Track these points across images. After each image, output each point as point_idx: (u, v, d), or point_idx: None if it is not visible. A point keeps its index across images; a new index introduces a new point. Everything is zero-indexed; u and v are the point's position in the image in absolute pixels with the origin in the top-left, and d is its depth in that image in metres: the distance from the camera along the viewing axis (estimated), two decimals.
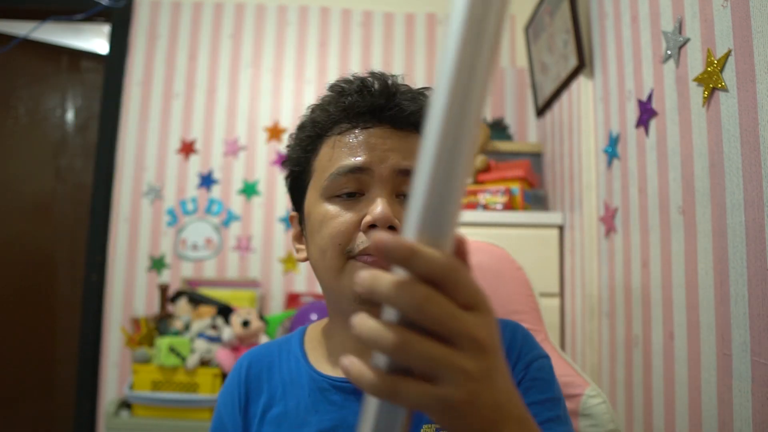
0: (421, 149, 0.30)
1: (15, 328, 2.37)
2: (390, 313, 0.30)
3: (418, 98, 0.65)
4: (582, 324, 1.53)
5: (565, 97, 1.73)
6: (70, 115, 2.58)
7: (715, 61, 0.92)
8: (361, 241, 0.59)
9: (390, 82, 0.65)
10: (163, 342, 1.67)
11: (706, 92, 0.95)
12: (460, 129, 0.29)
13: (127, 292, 2.15)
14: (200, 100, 2.26)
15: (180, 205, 2.20)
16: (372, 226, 0.58)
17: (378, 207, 0.58)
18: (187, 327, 1.79)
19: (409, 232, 0.30)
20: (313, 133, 0.66)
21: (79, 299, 2.19)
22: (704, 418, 0.95)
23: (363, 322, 0.30)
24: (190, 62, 2.28)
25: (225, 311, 1.84)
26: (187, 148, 2.23)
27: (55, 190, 2.53)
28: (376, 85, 0.64)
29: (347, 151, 0.62)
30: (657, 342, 1.13)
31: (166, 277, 2.16)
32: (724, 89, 0.90)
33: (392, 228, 0.59)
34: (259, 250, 2.18)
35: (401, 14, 2.34)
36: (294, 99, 2.27)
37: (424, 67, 2.32)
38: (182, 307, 1.87)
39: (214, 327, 1.77)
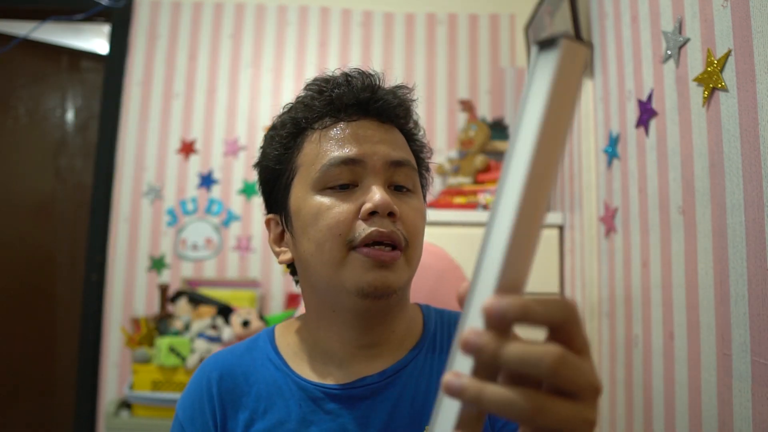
0: (499, 197, 0.30)
1: (15, 327, 2.37)
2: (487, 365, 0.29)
3: (398, 94, 0.66)
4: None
5: None
6: (70, 115, 2.58)
7: (715, 61, 0.92)
8: (363, 228, 0.57)
9: (375, 77, 0.66)
10: (163, 342, 1.67)
11: (706, 92, 0.95)
12: (543, 183, 0.29)
13: (127, 292, 2.15)
14: (200, 100, 2.27)
15: (180, 205, 2.20)
16: (372, 213, 0.58)
17: (377, 194, 0.58)
18: (187, 327, 1.80)
19: (489, 284, 0.30)
20: (294, 130, 0.65)
21: (79, 299, 2.19)
22: (704, 418, 0.95)
23: (483, 387, 0.29)
24: (190, 62, 2.28)
25: (225, 311, 1.84)
26: (187, 148, 2.23)
27: (55, 190, 2.53)
28: (360, 79, 0.64)
29: (336, 143, 0.61)
30: (657, 342, 1.13)
31: (166, 277, 2.16)
32: (724, 89, 0.90)
33: (391, 214, 0.58)
34: (259, 250, 2.18)
35: (401, 14, 2.34)
36: (294, 99, 2.27)
37: (424, 67, 2.32)
38: (182, 307, 1.87)
39: (214, 327, 1.77)
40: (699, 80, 0.97)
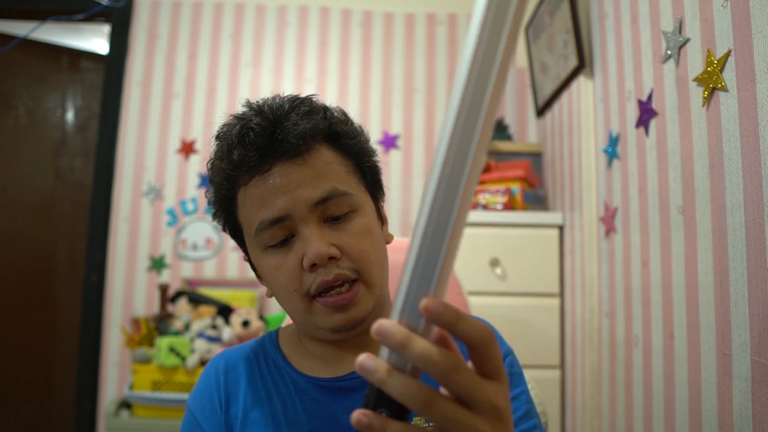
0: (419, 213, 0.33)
1: (15, 327, 2.37)
2: (406, 362, 0.33)
3: (306, 112, 0.63)
4: (582, 324, 1.53)
5: (565, 97, 1.73)
6: (70, 115, 2.58)
7: (715, 61, 0.92)
8: (311, 281, 0.60)
9: (268, 111, 0.62)
10: (163, 342, 1.67)
11: (706, 92, 0.95)
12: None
13: (127, 292, 2.15)
14: (200, 100, 2.27)
15: (180, 205, 2.20)
16: (314, 264, 0.59)
17: (310, 246, 0.58)
18: (187, 327, 1.80)
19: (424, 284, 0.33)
20: (222, 194, 0.65)
21: (79, 299, 2.19)
22: (704, 418, 0.95)
23: (392, 376, 0.32)
24: (190, 62, 2.28)
25: (225, 311, 1.84)
26: (187, 148, 2.23)
27: (55, 190, 2.53)
28: (255, 127, 0.61)
29: (258, 203, 0.61)
30: (657, 342, 1.13)
31: (166, 277, 2.16)
32: (724, 89, 0.90)
33: (332, 258, 0.59)
34: None
35: (401, 14, 2.34)
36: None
37: (424, 67, 2.32)
38: (182, 307, 1.87)
39: (214, 327, 1.77)
40: (699, 80, 0.97)
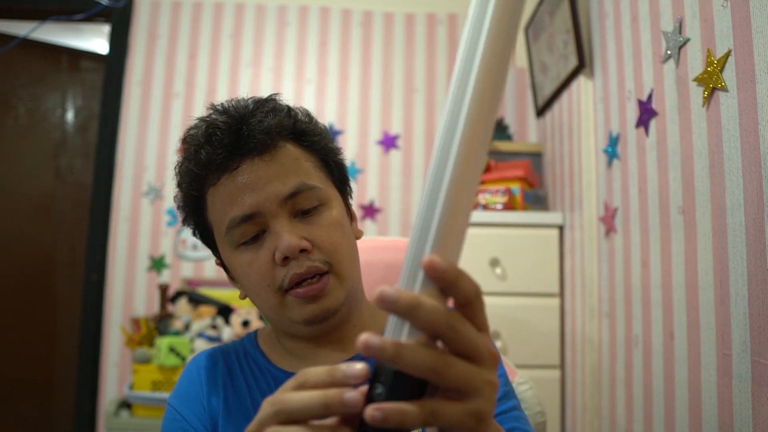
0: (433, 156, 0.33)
1: (15, 327, 2.37)
2: (411, 333, 0.32)
3: (270, 111, 0.64)
4: (582, 324, 1.53)
5: (565, 97, 1.73)
6: (70, 115, 2.58)
7: (715, 61, 0.92)
8: (284, 275, 0.60)
9: (233, 111, 0.63)
10: (163, 342, 1.67)
11: (706, 92, 0.95)
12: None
13: (127, 292, 2.15)
14: (200, 100, 2.26)
15: None
16: (286, 257, 0.60)
17: (282, 240, 0.59)
18: (187, 327, 1.80)
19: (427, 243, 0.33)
20: (191, 194, 0.66)
21: (79, 299, 2.19)
22: (704, 418, 0.95)
23: (404, 348, 0.31)
24: (190, 62, 2.28)
25: (225, 311, 1.84)
26: None
27: (55, 190, 2.53)
28: (221, 125, 0.62)
29: (228, 201, 0.62)
30: (657, 342, 1.13)
31: (166, 277, 2.16)
32: (724, 89, 0.90)
33: (304, 251, 0.60)
34: None
35: (401, 14, 2.34)
36: (294, 99, 2.27)
37: (424, 67, 2.32)
38: (182, 307, 1.87)
39: (214, 327, 1.77)
40: (699, 80, 0.97)
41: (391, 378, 0.32)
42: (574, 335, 1.61)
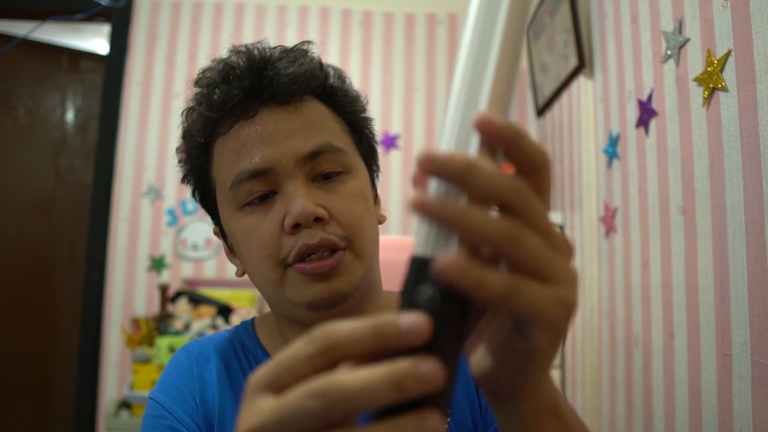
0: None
1: (15, 327, 2.37)
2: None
3: (300, 58, 0.56)
4: (582, 324, 1.53)
5: (565, 97, 1.73)
6: (70, 115, 2.58)
7: (715, 61, 0.92)
8: (291, 245, 0.51)
9: (257, 53, 0.55)
10: (163, 342, 1.67)
11: (706, 92, 0.95)
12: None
13: (127, 292, 2.15)
14: None
15: (180, 205, 2.20)
16: (297, 225, 0.51)
17: (295, 203, 0.50)
18: (187, 327, 1.80)
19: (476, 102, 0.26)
20: (198, 142, 0.57)
21: (79, 299, 2.19)
22: (704, 418, 0.95)
23: (470, 209, 0.24)
24: (190, 62, 2.28)
25: (225, 311, 1.84)
26: None
27: (55, 190, 2.53)
28: (242, 64, 0.54)
29: (237, 152, 0.53)
30: (657, 342, 1.13)
31: (166, 277, 2.16)
32: (724, 89, 0.90)
33: (319, 219, 0.51)
34: None
35: (401, 14, 2.34)
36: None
37: (424, 67, 2.32)
38: (182, 307, 1.87)
39: (214, 327, 1.77)
40: (699, 80, 0.97)
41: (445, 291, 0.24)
42: (574, 335, 1.61)
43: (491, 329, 0.30)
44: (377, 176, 0.64)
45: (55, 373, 2.44)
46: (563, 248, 0.27)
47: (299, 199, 0.50)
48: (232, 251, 0.60)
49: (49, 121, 2.54)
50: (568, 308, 0.26)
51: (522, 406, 0.31)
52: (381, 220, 0.61)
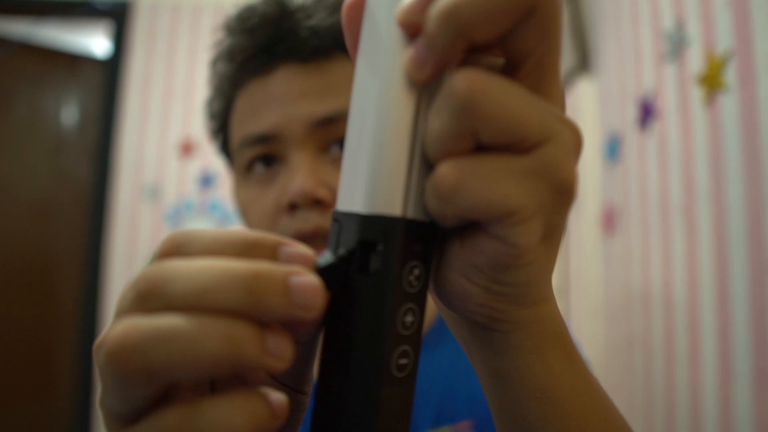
0: None
1: (14, 327, 2.37)
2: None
3: (332, 9, 0.47)
4: (582, 324, 1.53)
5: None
6: (70, 116, 2.58)
7: (716, 61, 0.92)
8: (285, 224, 0.45)
9: (286, 1, 0.48)
10: None
11: (707, 92, 0.95)
12: None
13: None
14: (200, 100, 2.26)
15: (179, 206, 2.20)
16: (295, 205, 0.45)
17: (294, 180, 0.44)
18: None
19: None
20: (224, 94, 0.52)
21: (79, 299, 2.19)
22: (704, 418, 0.95)
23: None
24: (190, 62, 2.28)
25: None
26: (187, 148, 2.23)
27: (55, 190, 2.53)
28: (262, 11, 0.47)
29: (247, 112, 0.48)
30: (657, 342, 1.13)
31: None
32: (725, 89, 0.90)
33: (320, 202, 0.44)
34: None
35: None
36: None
37: None
38: None
39: None
40: (699, 80, 0.97)
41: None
42: (574, 335, 1.61)
43: (450, 250, 0.21)
44: None
45: (54, 372, 2.44)
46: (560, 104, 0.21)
47: (299, 175, 0.44)
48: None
49: (49, 121, 2.53)
50: (563, 189, 0.19)
51: (517, 335, 0.22)
52: None
